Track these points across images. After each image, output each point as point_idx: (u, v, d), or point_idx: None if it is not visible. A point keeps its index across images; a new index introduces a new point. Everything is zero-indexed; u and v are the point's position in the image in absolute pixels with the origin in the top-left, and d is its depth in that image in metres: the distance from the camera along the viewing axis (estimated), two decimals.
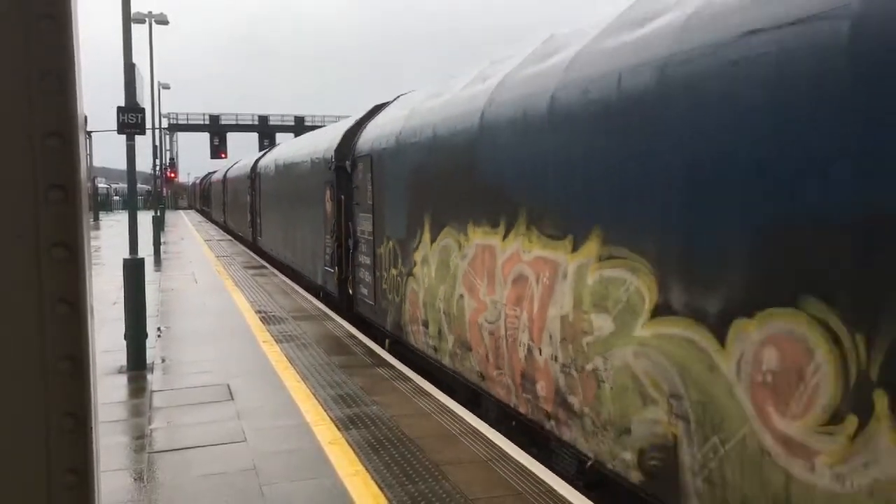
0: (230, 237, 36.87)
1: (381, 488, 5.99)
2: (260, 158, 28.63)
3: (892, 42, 3.44)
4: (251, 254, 27.39)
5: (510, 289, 7.12)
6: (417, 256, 9.72)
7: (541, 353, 6.57)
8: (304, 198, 17.26)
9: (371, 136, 12.02)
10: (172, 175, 68.58)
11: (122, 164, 13.28)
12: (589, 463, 5.95)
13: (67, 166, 1.06)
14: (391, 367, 10.04)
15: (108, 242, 32.05)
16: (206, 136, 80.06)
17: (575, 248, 5.97)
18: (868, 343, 3.50)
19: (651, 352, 5.07)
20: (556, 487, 5.95)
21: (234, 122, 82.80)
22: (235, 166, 40.14)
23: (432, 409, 8.07)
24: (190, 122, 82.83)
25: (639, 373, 5.19)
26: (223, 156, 76.19)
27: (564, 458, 6.64)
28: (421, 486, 6.04)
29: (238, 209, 34.38)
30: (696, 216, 4.63)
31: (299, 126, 79.57)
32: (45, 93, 1.04)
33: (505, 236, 7.20)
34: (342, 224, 13.68)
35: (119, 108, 11.34)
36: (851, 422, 3.59)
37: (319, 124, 77.88)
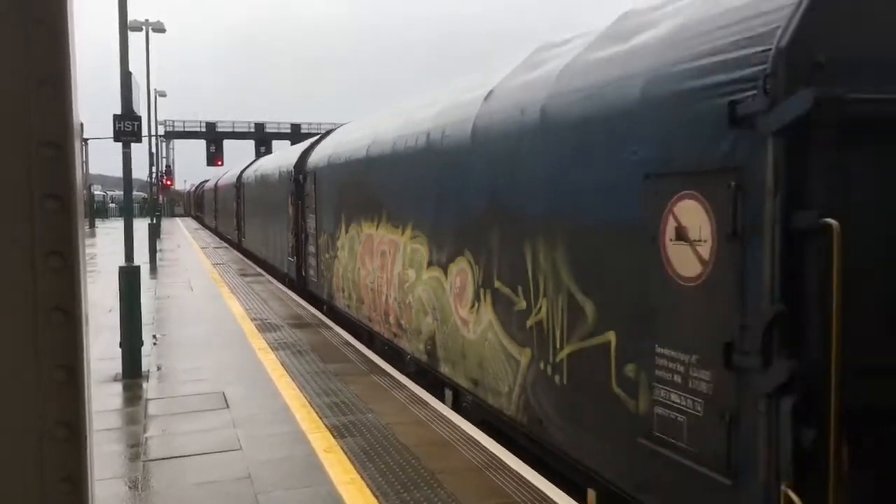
0: (226, 245, 36.85)
1: (376, 496, 5.98)
2: (244, 170, 31.49)
3: (559, 123, 6.13)
4: (247, 261, 27.37)
5: (378, 260, 11.29)
6: (339, 244, 13.74)
7: (390, 298, 10.77)
8: (275, 204, 21.03)
9: (315, 157, 16.07)
10: (169, 182, 68.50)
11: (118, 172, 13.32)
12: (408, 357, 10.33)
13: (63, 175, 1.07)
14: (387, 374, 10.03)
15: (104, 250, 31.99)
16: (202, 143, 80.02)
17: (403, 233, 10.11)
18: (479, 270, 7.64)
19: (426, 287, 9.29)
20: (551, 495, 5.95)
21: (230, 130, 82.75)
22: (224, 176, 43.48)
23: (427, 417, 8.06)
24: (186, 129, 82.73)
25: (423, 300, 9.41)
26: (219, 163, 76.08)
27: (405, 358, 10.58)
28: (416, 494, 6.03)
29: (226, 214, 38.07)
30: (437, 215, 8.89)
31: (296, 133, 79.53)
32: (41, 102, 1.04)
33: (377, 228, 11.30)
34: (299, 223, 17.45)
35: (115, 116, 11.34)
36: (475, 305, 7.77)
37: (316, 132, 77.67)
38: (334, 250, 14.08)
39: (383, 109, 13.94)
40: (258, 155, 70.88)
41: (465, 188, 7.97)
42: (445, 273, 8.60)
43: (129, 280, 10.33)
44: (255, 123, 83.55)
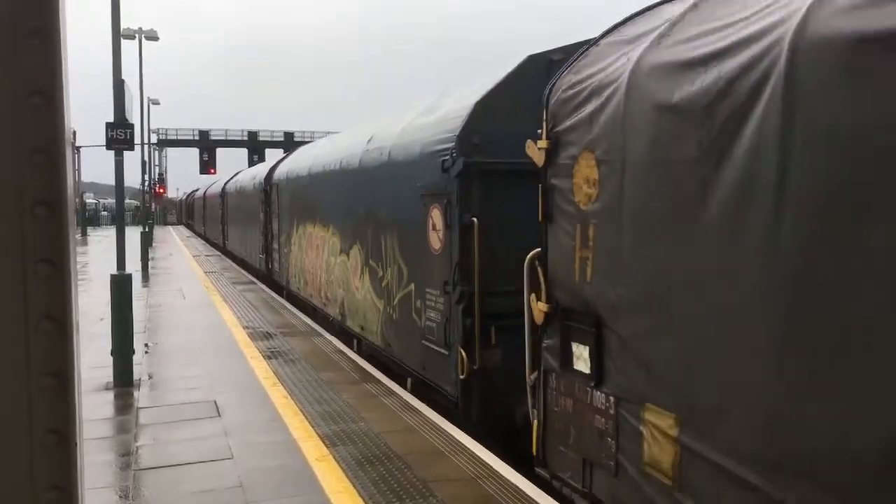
0: (218, 253, 36.80)
1: None
2: (227, 181, 35.82)
3: (396, 162, 10.00)
4: (239, 269, 27.33)
5: (315, 252, 15.22)
6: (292, 241, 17.91)
7: (322, 278, 14.59)
8: (250, 211, 25.27)
9: (278, 173, 20.43)
10: (161, 190, 68.38)
11: (110, 179, 13.35)
12: (331, 319, 13.97)
13: (54, 183, 1.07)
14: (379, 383, 10.01)
15: (95, 258, 31.89)
16: (195, 151, 79.92)
17: (328, 231, 13.91)
18: (364, 254, 11.44)
19: (339, 268, 12.91)
20: None
21: (223, 138, 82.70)
22: (211, 186, 48.22)
23: (419, 425, 8.05)
24: (179, 137, 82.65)
25: (338, 277, 13.09)
26: (212, 171, 75.98)
27: (330, 319, 14.25)
28: (409, 503, 6.01)
29: (213, 221, 43.22)
30: (344, 219, 12.52)
31: (289, 141, 79.51)
32: (33, 109, 1.05)
33: (314, 228, 15.21)
34: (267, 226, 21.84)
35: (108, 124, 11.34)
36: (361, 278, 11.61)
37: (308, 139, 77.79)
38: (289, 246, 18.42)
39: (325, 139, 20.03)
40: (251, 163, 70.90)
41: (357, 201, 11.92)
42: (348, 257, 12.49)
43: (121, 288, 10.29)
44: (249, 131, 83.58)
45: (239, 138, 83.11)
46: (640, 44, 4.71)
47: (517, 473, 6.59)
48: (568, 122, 5.36)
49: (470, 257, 7.84)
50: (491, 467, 6.74)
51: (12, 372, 1.06)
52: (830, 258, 3.15)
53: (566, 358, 5.34)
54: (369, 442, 7.53)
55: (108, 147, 11.48)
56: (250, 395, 9.41)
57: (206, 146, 79.50)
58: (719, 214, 3.80)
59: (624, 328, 4.66)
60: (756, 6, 3.78)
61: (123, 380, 10.00)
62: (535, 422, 5.82)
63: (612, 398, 4.78)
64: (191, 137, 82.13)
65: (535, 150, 5.75)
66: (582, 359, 5.13)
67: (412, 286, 9.37)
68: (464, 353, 7.85)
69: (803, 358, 3.29)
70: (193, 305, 17.70)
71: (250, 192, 25.15)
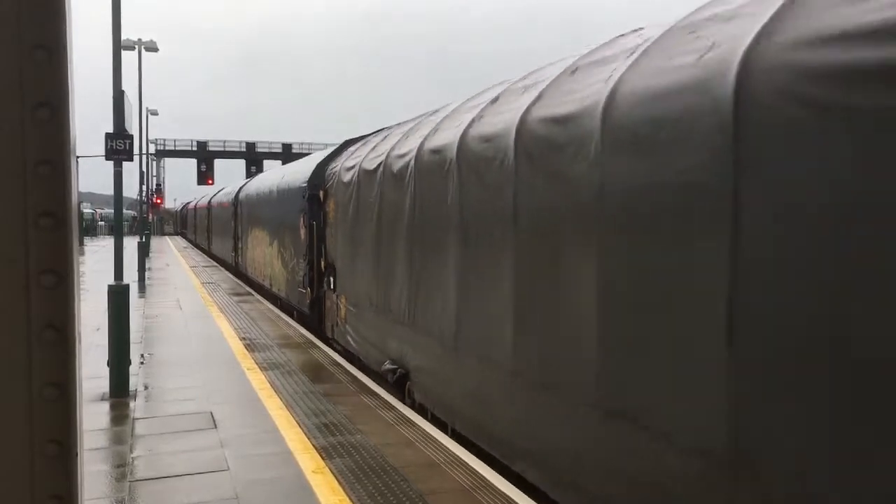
0: (216, 264, 36.81)
1: None
2: (213, 196, 45.37)
3: (280, 189, 19.95)
4: (235, 279, 27.32)
5: (260, 247, 23.16)
6: (249, 241, 25.72)
7: (261, 262, 23.04)
8: (226, 220, 34.17)
9: (241, 193, 28.86)
10: (159, 201, 68.38)
11: (107, 190, 13.42)
12: (266, 287, 22.10)
13: (58, 193, 1.08)
14: (376, 395, 9.99)
15: (92, 268, 31.83)
16: (193, 161, 79.96)
17: (265, 232, 22.05)
18: (277, 245, 20.09)
19: (268, 254, 21.54)
20: None
21: (221, 149, 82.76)
22: (200, 200, 58.18)
23: (416, 438, 8.03)
24: (177, 148, 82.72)
25: (271, 259, 21.08)
26: (210, 182, 76.06)
27: (269, 289, 21.83)
28: None
29: (201, 229, 52.31)
30: (269, 224, 21.46)
31: (287, 153, 79.61)
32: (38, 122, 1.06)
33: (260, 231, 23.10)
34: (236, 232, 29.86)
35: (107, 135, 11.34)
36: (276, 259, 20.42)
37: (307, 151, 77.91)
38: (246, 245, 26.85)
39: (265, 173, 32.16)
40: (249, 174, 70.97)
41: (274, 213, 20.20)
42: (272, 248, 20.49)
43: (118, 299, 10.28)
44: (246, 143, 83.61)
45: (237, 149, 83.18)
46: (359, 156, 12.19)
47: (511, 486, 6.57)
48: (330, 183, 13.17)
49: (311, 242, 15.33)
50: (486, 479, 6.72)
51: (14, 381, 1.07)
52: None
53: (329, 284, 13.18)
54: (366, 454, 7.50)
55: (108, 157, 11.49)
56: (247, 407, 9.39)
57: (204, 157, 79.58)
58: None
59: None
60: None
61: (119, 390, 9.97)
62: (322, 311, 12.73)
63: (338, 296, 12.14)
64: (189, 148, 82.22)
65: (322, 193, 13.34)
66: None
67: (295, 259, 17.04)
68: (309, 290, 15.53)
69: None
70: (190, 316, 17.68)
71: (227, 205, 33.82)
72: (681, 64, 4.46)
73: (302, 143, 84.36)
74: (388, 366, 10.03)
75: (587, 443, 5.26)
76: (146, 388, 10.45)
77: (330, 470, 7.04)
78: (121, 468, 7.25)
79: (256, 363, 12.04)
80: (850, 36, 3.29)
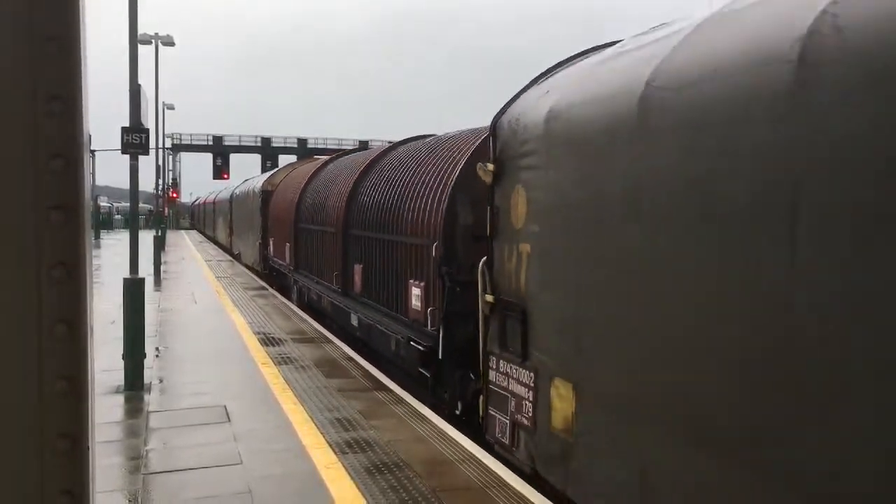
0: (231, 258, 37.05)
1: None
2: (217, 194, 53.63)
3: (248, 195, 32.77)
4: (251, 275, 27.45)
5: (235, 233, 37.67)
6: (237, 231, 36.55)
7: (242, 245, 33.83)
8: (224, 216, 42.23)
9: (237, 190, 38.20)
10: (175, 195, 68.74)
11: (124, 183, 13.46)
12: (242, 261, 32.91)
13: (71, 187, 1.07)
14: (389, 391, 10.00)
15: (108, 261, 32.06)
16: (209, 156, 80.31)
17: (243, 224, 33.51)
18: (250, 231, 31.06)
19: (247, 244, 31.46)
20: None
21: (237, 144, 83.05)
22: (208, 196, 65.12)
23: (430, 435, 8.03)
24: (193, 142, 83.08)
25: (250, 249, 30.34)
26: (225, 176, 76.33)
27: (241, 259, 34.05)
28: None
29: (209, 222, 59.84)
30: (245, 217, 32.60)
31: (302, 148, 79.82)
32: (51, 115, 1.05)
33: (242, 223, 33.86)
34: (230, 225, 38.32)
35: (123, 129, 11.39)
36: (239, 240, 37.61)
37: (322, 147, 78.13)
38: (236, 234, 35.61)
39: (248, 180, 41.55)
40: (264, 169, 71.23)
41: (248, 211, 30.39)
42: (250, 233, 29.92)
43: (134, 292, 10.33)
44: (262, 138, 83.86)
45: (252, 144, 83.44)
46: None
47: (525, 483, 6.56)
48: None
49: (266, 227, 25.72)
50: (500, 477, 6.71)
51: (24, 376, 1.06)
52: None
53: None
54: (379, 450, 7.51)
55: (124, 151, 11.54)
56: (260, 401, 9.41)
57: (220, 151, 79.87)
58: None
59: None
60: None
61: (134, 383, 10.03)
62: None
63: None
64: (205, 143, 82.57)
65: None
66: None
67: (257, 238, 27.21)
68: (260, 256, 26.64)
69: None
70: (205, 310, 17.76)
71: (225, 204, 41.79)
72: None
73: (317, 138, 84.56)
74: None
75: None
76: (161, 381, 10.50)
77: (343, 465, 7.05)
78: (135, 461, 7.29)
79: (270, 358, 12.07)
80: None
